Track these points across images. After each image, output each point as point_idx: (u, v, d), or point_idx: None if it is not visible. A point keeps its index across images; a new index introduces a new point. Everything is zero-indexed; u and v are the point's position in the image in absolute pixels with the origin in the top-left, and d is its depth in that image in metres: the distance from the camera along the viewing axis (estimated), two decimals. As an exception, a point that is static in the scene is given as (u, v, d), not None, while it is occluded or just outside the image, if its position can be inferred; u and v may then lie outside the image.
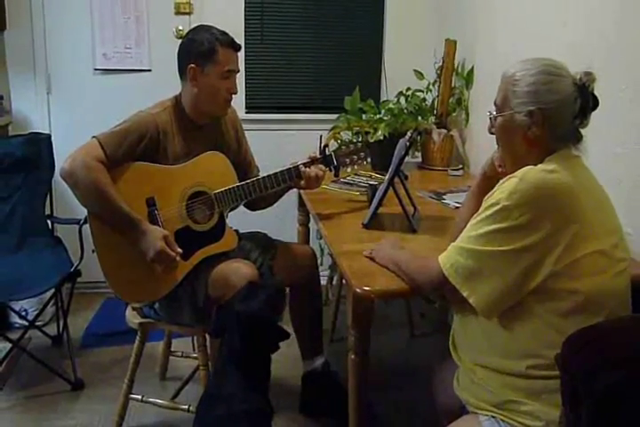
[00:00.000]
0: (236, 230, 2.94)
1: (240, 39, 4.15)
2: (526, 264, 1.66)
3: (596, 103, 1.79)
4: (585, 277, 1.67)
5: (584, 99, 1.75)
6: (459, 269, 1.75)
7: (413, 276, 1.93)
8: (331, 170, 2.79)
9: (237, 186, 2.64)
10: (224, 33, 2.64)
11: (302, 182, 2.69)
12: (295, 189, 2.87)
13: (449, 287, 1.77)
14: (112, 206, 2.40)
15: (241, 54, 4.15)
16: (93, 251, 2.50)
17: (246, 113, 4.32)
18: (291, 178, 2.68)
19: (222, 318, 2.33)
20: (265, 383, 2.30)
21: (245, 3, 4.20)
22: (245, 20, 4.23)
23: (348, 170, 2.83)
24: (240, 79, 4.23)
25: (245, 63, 4.28)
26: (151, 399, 2.76)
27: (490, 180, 2.06)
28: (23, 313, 3.68)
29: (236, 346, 2.24)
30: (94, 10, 4.04)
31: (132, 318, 2.73)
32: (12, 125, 4.07)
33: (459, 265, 1.75)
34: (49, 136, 3.61)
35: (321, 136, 2.81)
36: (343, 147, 2.89)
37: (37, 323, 3.51)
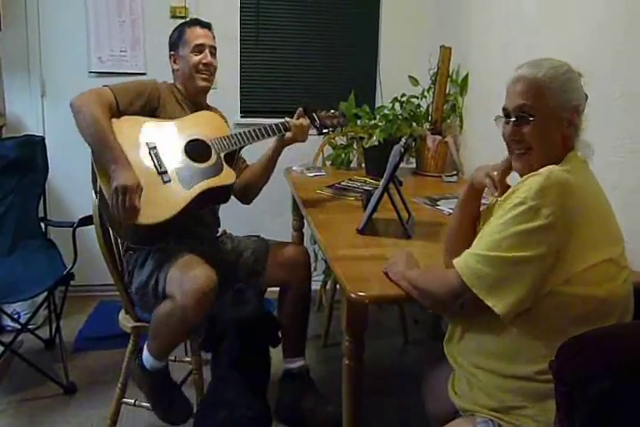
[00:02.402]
0: (230, 234, 2.96)
1: (235, 43, 4.21)
2: (548, 266, 1.63)
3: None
4: (599, 284, 1.67)
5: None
6: (482, 279, 1.69)
7: (431, 289, 1.85)
8: (315, 126, 2.99)
9: (231, 134, 2.82)
10: (193, 18, 2.97)
11: (289, 134, 2.87)
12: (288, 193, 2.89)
13: (469, 296, 1.72)
14: (105, 138, 2.48)
15: (236, 58, 4.24)
16: (99, 191, 2.53)
17: (241, 117, 4.33)
18: (279, 130, 2.87)
19: (215, 330, 2.32)
20: (264, 389, 2.30)
21: (241, 7, 4.21)
22: (241, 24, 4.24)
23: (329, 131, 3.09)
24: (235, 83, 4.28)
25: (240, 67, 4.30)
26: (144, 404, 2.73)
27: (478, 191, 2.05)
28: (15, 316, 3.65)
29: (236, 351, 2.24)
30: (90, 13, 4.05)
31: (125, 321, 2.73)
32: (5, 128, 4.06)
33: (481, 274, 1.69)
34: (43, 138, 3.60)
35: (305, 103, 3.00)
36: (324, 111, 3.06)
37: (30, 326, 3.51)
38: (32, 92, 4.12)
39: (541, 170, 1.66)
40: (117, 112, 2.59)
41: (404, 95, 3.85)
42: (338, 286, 3.39)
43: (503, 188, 1.90)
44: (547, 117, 1.75)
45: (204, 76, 2.84)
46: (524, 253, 1.63)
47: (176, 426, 2.68)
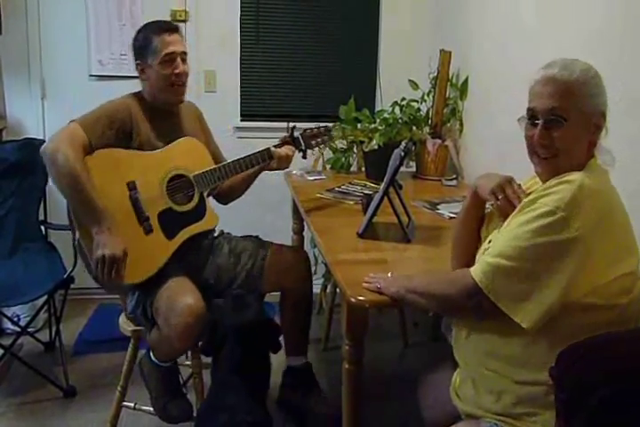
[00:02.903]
0: (229, 233, 2.95)
1: (236, 47, 4.21)
2: (575, 279, 1.58)
3: None
4: (618, 296, 1.64)
5: None
6: (507, 293, 1.63)
7: (443, 291, 1.79)
8: (300, 151, 2.95)
9: (214, 168, 2.73)
10: (158, 21, 2.73)
11: (274, 162, 2.81)
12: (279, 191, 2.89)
13: (486, 301, 1.66)
14: (84, 195, 2.39)
15: (236, 63, 4.24)
16: (77, 241, 2.49)
17: (241, 121, 4.34)
18: (263, 158, 2.80)
19: (216, 335, 2.33)
20: (264, 394, 2.30)
21: (241, 11, 4.22)
22: (241, 28, 4.25)
23: (315, 151, 3.08)
24: (235, 87, 4.28)
25: (240, 71, 4.30)
26: (144, 407, 2.74)
27: (482, 199, 1.97)
28: (15, 319, 3.66)
29: (237, 355, 2.24)
30: (90, 16, 4.05)
31: (126, 325, 2.73)
32: (6, 131, 4.07)
33: (507, 288, 1.63)
34: (43, 142, 3.58)
35: (288, 123, 2.96)
36: (308, 131, 2.99)
37: (30, 329, 3.51)
38: (32, 95, 4.12)
39: (570, 177, 1.61)
40: (91, 148, 2.47)
41: (403, 99, 3.86)
42: (338, 290, 3.39)
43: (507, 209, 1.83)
44: (578, 122, 1.69)
45: (178, 87, 2.68)
46: (551, 265, 1.58)
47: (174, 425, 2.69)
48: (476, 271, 1.68)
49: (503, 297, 1.63)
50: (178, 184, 2.66)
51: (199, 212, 2.71)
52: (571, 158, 1.71)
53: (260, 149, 2.81)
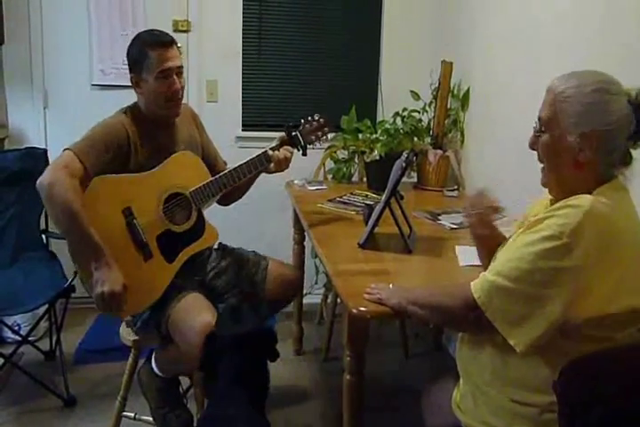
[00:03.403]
0: (225, 245, 2.94)
1: (237, 58, 4.22)
2: (573, 307, 1.56)
3: None
4: (619, 329, 1.60)
5: None
6: (504, 314, 1.62)
7: (444, 303, 1.78)
8: (298, 150, 2.85)
9: (211, 181, 2.67)
10: (153, 34, 2.60)
11: (272, 166, 2.73)
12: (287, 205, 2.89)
13: (482, 315, 1.65)
14: (81, 231, 2.34)
15: (238, 72, 4.25)
16: (76, 273, 2.47)
17: (242, 130, 4.34)
18: (261, 163, 2.72)
19: (214, 348, 2.32)
20: (262, 404, 2.29)
21: (243, 21, 4.22)
22: (243, 38, 4.25)
23: (316, 145, 2.93)
24: (237, 97, 4.29)
25: (242, 81, 4.30)
26: (144, 417, 2.73)
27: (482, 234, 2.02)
28: (16, 328, 3.66)
29: (238, 366, 2.23)
30: (92, 26, 4.06)
31: (126, 334, 2.72)
32: (8, 140, 4.07)
33: (504, 309, 1.61)
34: (45, 151, 3.60)
35: (288, 124, 2.85)
36: (307, 125, 2.88)
37: (30, 338, 3.50)
38: (34, 104, 4.12)
39: (577, 201, 1.56)
40: (87, 176, 2.41)
41: (405, 110, 3.86)
42: (339, 300, 3.39)
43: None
44: (556, 137, 1.65)
45: (174, 103, 2.61)
46: (548, 291, 1.55)
47: None
48: (475, 287, 1.67)
49: (499, 318, 1.62)
50: (175, 203, 2.62)
51: (198, 229, 2.67)
52: (554, 172, 1.70)
53: (257, 153, 2.74)
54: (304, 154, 2.91)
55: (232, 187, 2.71)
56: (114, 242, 2.45)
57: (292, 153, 2.78)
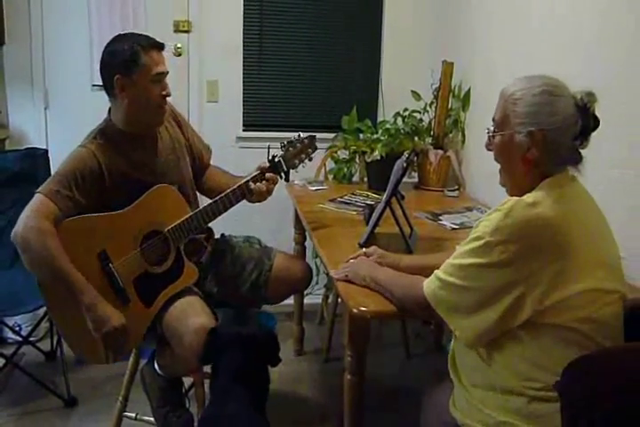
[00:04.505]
0: (228, 235, 2.94)
1: (238, 57, 4.21)
2: (507, 303, 1.65)
3: (596, 124, 1.76)
4: (569, 312, 1.65)
5: (585, 120, 1.73)
6: (442, 302, 1.76)
7: (399, 296, 1.93)
8: (281, 177, 2.73)
9: (190, 216, 2.55)
10: (144, 36, 2.50)
11: (254, 197, 2.63)
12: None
13: (434, 312, 1.79)
14: (64, 272, 2.29)
15: (239, 72, 4.25)
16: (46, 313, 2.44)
17: (243, 131, 4.34)
18: (243, 195, 2.61)
19: (216, 344, 2.32)
20: (263, 404, 2.29)
21: (244, 21, 4.22)
22: (244, 38, 4.25)
23: (299, 168, 2.78)
24: (238, 97, 4.29)
25: (243, 81, 4.30)
26: (145, 418, 2.73)
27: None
28: (17, 328, 3.66)
29: (239, 365, 2.23)
30: (93, 26, 4.06)
31: (127, 335, 2.72)
32: (8, 140, 4.07)
33: (441, 298, 1.76)
34: (46, 151, 3.61)
35: (269, 146, 2.74)
36: (290, 148, 2.73)
37: (31, 338, 3.51)
38: (35, 104, 4.13)
39: (506, 204, 1.67)
40: (63, 216, 2.35)
41: (406, 110, 3.86)
42: (339, 300, 3.38)
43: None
44: (507, 137, 1.79)
45: (162, 109, 2.55)
46: (478, 284, 1.69)
47: None
48: (426, 286, 1.81)
49: (441, 305, 1.77)
50: (153, 243, 2.52)
51: (177, 269, 2.55)
52: (508, 172, 1.85)
53: (238, 183, 2.60)
54: (287, 180, 2.79)
55: (211, 221, 2.61)
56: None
57: (275, 183, 2.67)
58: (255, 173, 2.65)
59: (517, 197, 1.69)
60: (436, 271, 1.79)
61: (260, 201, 2.67)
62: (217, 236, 2.92)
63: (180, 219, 2.54)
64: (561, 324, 1.66)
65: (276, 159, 2.69)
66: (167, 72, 2.51)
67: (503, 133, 1.80)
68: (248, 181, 2.62)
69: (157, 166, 2.62)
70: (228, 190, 2.59)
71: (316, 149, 2.83)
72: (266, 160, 2.69)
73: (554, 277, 1.63)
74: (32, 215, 2.34)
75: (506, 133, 1.79)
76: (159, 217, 2.53)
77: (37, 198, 2.38)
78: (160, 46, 2.50)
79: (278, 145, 2.73)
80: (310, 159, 2.80)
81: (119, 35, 2.54)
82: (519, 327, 1.68)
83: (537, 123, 1.72)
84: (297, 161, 2.74)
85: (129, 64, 2.41)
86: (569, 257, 1.65)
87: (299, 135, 2.78)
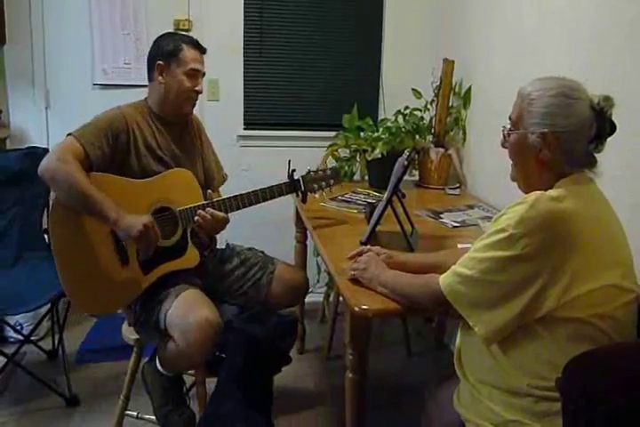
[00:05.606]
0: (234, 246, 2.95)
1: (239, 56, 4.21)
2: (530, 296, 1.65)
3: (613, 129, 1.76)
4: (590, 308, 1.65)
5: (601, 124, 1.73)
6: (462, 298, 1.74)
7: (413, 293, 1.92)
8: (298, 195, 2.83)
9: (203, 204, 2.64)
10: (192, 37, 2.78)
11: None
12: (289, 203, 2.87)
13: (450, 307, 1.77)
14: (90, 195, 2.41)
15: (240, 70, 4.25)
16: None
17: (244, 129, 4.34)
18: (258, 201, 2.71)
19: (223, 338, 2.32)
20: (267, 404, 2.29)
21: (245, 20, 4.22)
22: (244, 37, 4.25)
23: (316, 196, 2.88)
24: (238, 96, 4.29)
25: (244, 79, 4.30)
26: (147, 416, 2.74)
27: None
28: (18, 327, 3.67)
29: (238, 366, 2.24)
30: (94, 25, 4.06)
31: (128, 333, 2.72)
32: (9, 139, 4.07)
33: (461, 293, 1.74)
34: (47, 150, 3.60)
35: (289, 161, 2.76)
36: (312, 173, 2.84)
37: (33, 337, 3.52)
38: (36, 103, 4.13)
39: (530, 197, 1.67)
40: (88, 160, 2.48)
41: (407, 108, 3.86)
42: (341, 299, 3.39)
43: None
44: (521, 136, 1.79)
45: (192, 103, 2.74)
46: (502, 278, 1.67)
47: None
48: (443, 282, 1.79)
49: (459, 300, 1.75)
50: (162, 217, 2.60)
51: (180, 248, 2.64)
52: (521, 170, 1.85)
53: (259, 189, 2.70)
54: (303, 201, 2.86)
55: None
56: (95, 242, 2.51)
57: (225, 219, 2.67)
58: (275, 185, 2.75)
59: (540, 191, 1.69)
60: (453, 267, 1.79)
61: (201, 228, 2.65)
62: (222, 246, 2.97)
63: (194, 204, 2.63)
64: (580, 318, 1.65)
65: (296, 177, 2.78)
66: (204, 72, 2.76)
67: (518, 133, 1.80)
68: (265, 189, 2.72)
69: (176, 154, 2.74)
70: (244, 192, 2.69)
71: (339, 182, 2.92)
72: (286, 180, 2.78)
73: (576, 271, 1.63)
74: (59, 150, 2.48)
75: (520, 133, 1.79)
76: (174, 196, 2.63)
77: (69, 140, 2.50)
78: (202, 49, 2.76)
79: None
80: (331, 190, 2.90)
81: (169, 33, 2.86)
82: (536, 321, 1.68)
83: (551, 124, 1.72)
84: (316, 186, 2.85)
85: (170, 54, 2.66)
86: (590, 252, 1.65)
87: (322, 167, 2.92)
